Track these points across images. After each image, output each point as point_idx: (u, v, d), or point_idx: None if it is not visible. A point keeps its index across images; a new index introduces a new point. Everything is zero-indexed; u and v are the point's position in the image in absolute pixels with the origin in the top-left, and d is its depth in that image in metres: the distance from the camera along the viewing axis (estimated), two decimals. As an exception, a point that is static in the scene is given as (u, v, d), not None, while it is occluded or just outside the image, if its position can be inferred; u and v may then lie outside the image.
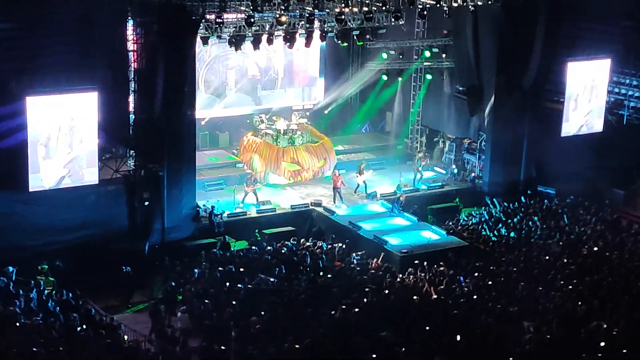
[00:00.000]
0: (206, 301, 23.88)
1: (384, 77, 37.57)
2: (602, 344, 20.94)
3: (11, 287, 23.75)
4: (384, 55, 36.79)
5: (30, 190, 26.96)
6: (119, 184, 28.66)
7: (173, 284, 25.26)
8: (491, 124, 34.20)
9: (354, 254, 27.98)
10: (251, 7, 28.71)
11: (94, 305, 24.37)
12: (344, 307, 22.90)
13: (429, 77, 36.61)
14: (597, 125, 35.47)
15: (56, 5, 26.78)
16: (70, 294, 24.18)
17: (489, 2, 32.07)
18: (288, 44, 31.01)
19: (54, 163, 27.19)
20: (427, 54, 36.01)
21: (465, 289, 24.67)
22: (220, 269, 26.15)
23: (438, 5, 31.09)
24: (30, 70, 26.70)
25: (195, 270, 26.05)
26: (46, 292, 24.28)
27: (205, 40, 29.83)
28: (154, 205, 28.85)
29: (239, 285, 24.81)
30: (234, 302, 23.67)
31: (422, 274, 26.06)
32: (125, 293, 25.95)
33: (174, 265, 26.72)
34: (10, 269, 24.66)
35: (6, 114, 26.46)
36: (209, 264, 26.80)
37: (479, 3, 32.03)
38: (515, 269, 26.20)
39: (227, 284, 24.95)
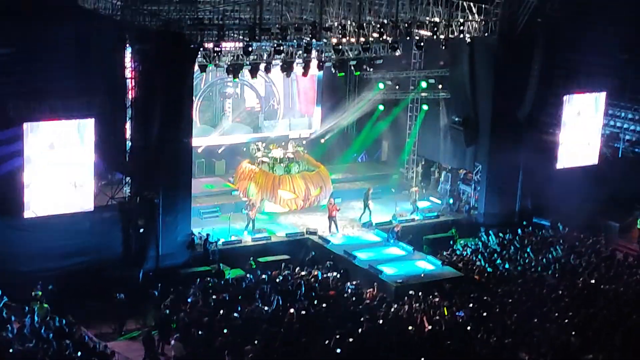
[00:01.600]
0: (200, 330, 23.78)
1: (381, 107, 37.69)
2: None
3: (4, 313, 23.65)
4: (381, 86, 36.92)
5: (25, 216, 26.92)
6: (114, 211, 28.62)
7: (167, 311, 25.17)
8: (487, 155, 34.28)
9: (348, 283, 27.93)
10: (249, 37, 28.80)
11: (87, 332, 24.27)
12: (337, 336, 22.84)
13: (425, 107, 36.72)
14: (593, 158, 35.58)
15: (55, 32, 26.91)
16: (64, 321, 24.08)
17: (485, 35, 32.26)
18: (285, 72, 31.13)
19: (50, 189, 27.16)
20: (424, 84, 36.14)
21: (461, 320, 24.61)
22: (214, 297, 26.09)
23: (435, 37, 31.28)
24: (27, 95, 26.74)
25: (189, 299, 25.97)
26: (40, 318, 24.17)
27: (203, 68, 29.94)
28: (148, 232, 28.79)
29: (233, 314, 24.72)
30: (227, 331, 23.57)
31: (417, 305, 26.01)
32: (119, 320, 25.84)
33: (168, 292, 26.63)
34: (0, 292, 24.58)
35: (2, 140, 26.48)
36: (203, 292, 26.71)
37: (475, 35, 32.21)
38: (510, 300, 26.17)
39: (221, 312, 24.86)
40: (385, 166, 39.09)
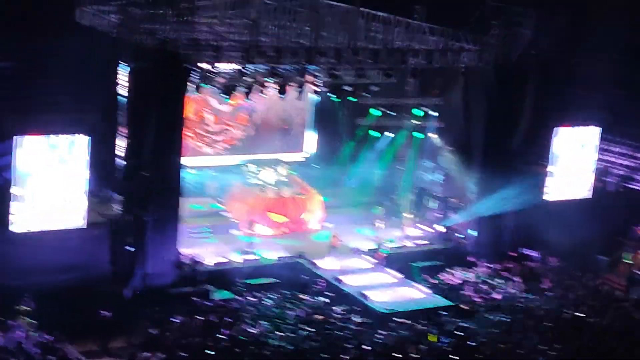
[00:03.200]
0: (185, 351, 23.67)
1: (374, 133, 37.73)
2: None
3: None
4: (375, 112, 36.98)
5: (13, 230, 26.81)
6: (104, 228, 28.54)
7: (153, 331, 25.05)
8: (478, 185, 34.33)
9: (336, 309, 27.84)
10: (244, 58, 28.86)
11: (72, 348, 24.11)
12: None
13: (418, 134, 36.78)
14: (583, 191, 35.68)
15: (51, 47, 26.93)
16: (50, 337, 23.93)
17: (480, 65, 32.39)
18: (280, 95, 31.19)
19: (40, 204, 27.07)
20: (417, 112, 36.22)
21: (449, 349, 24.56)
22: (200, 317, 25.97)
23: (429, 65, 31.39)
24: (20, 109, 26.72)
25: (176, 319, 25.85)
26: (25, 333, 24.02)
27: (197, 88, 29.97)
28: (137, 250, 28.71)
29: (220, 336, 24.62)
30: (213, 353, 23.47)
31: (405, 332, 25.94)
32: (105, 338, 25.69)
33: (154, 312, 26.51)
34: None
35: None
36: (189, 312, 26.60)
37: (470, 65, 32.35)
38: (497, 331, 26.13)
39: (208, 333, 24.75)
40: (377, 192, 39.07)
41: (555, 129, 34.49)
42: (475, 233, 34.33)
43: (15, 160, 26.43)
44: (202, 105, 35.45)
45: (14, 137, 26.26)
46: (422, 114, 36.14)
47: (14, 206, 26.65)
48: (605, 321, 27.37)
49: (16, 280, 26.36)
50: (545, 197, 35.03)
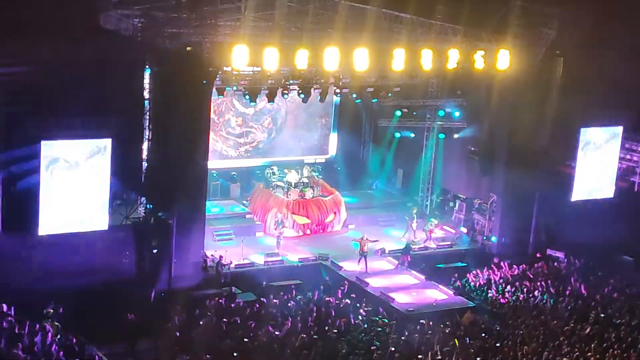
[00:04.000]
0: (209, 353, 23.72)
1: (397, 135, 37.73)
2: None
3: (15, 330, 23.66)
4: (398, 113, 36.98)
5: (39, 234, 27.03)
6: (128, 231, 28.69)
7: (177, 333, 25.13)
8: (502, 186, 34.24)
9: (360, 310, 27.83)
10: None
11: (97, 351, 24.23)
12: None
13: (441, 136, 36.73)
14: (608, 192, 35.48)
15: (75, 51, 27.03)
16: (75, 339, 24.06)
17: (503, 65, 32.20)
18: (302, 97, 31.23)
19: (65, 208, 27.28)
20: (441, 113, 36.17)
21: (471, 350, 24.50)
22: (225, 320, 26.04)
23: (452, 66, 31.28)
24: (45, 113, 26.90)
25: (200, 321, 25.93)
26: (51, 336, 24.15)
27: (220, 91, 30.06)
28: (162, 253, 28.84)
29: (244, 338, 24.66)
30: (237, 354, 23.51)
31: (429, 333, 25.88)
32: (130, 340, 25.80)
33: (179, 314, 26.59)
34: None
35: (20, 157, 26.63)
36: (214, 314, 26.67)
37: (493, 65, 32.18)
38: (521, 332, 26.02)
39: (232, 335, 24.80)
40: (400, 194, 39.06)
41: (579, 128, 34.33)
42: (494, 239, 34.21)
43: (41, 164, 26.62)
44: (226, 108, 35.57)
45: (41, 142, 26.47)
46: (445, 114, 36.09)
47: (39, 210, 26.84)
48: (632, 321, 27.19)
49: (42, 283, 26.54)
50: (570, 197, 34.84)
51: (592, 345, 24.88)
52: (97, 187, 27.60)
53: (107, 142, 27.47)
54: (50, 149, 26.77)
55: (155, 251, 28.75)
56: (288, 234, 33.81)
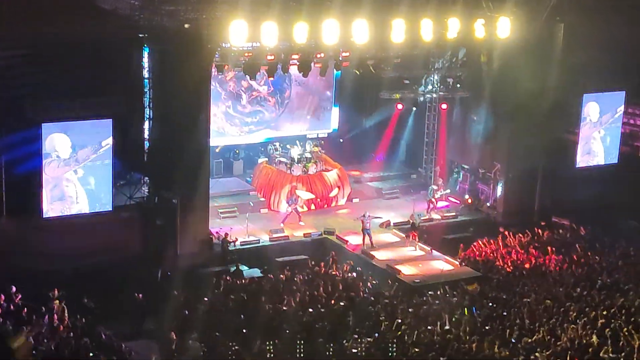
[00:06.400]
0: (217, 330, 23.78)
1: (399, 107, 37.56)
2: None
3: (23, 313, 23.75)
4: (399, 85, 36.76)
5: (44, 216, 27.04)
6: (132, 211, 28.69)
7: (185, 311, 25.17)
8: (506, 154, 34.14)
9: (367, 283, 27.84)
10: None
11: (105, 331, 24.29)
12: (355, 336, 22.80)
13: (444, 106, 36.57)
14: (612, 157, 35.38)
15: (73, 32, 26.92)
16: (83, 320, 24.13)
17: (504, 33, 31.99)
18: (302, 72, 31.08)
19: (68, 189, 27.27)
20: (442, 83, 35.98)
21: (479, 319, 24.51)
22: (232, 297, 26.07)
23: (452, 36, 31.12)
24: (45, 95, 26.83)
25: (207, 298, 25.97)
26: (58, 318, 24.22)
27: (220, 68, 29.92)
28: (167, 232, 28.85)
29: (251, 314, 24.70)
30: (245, 331, 23.56)
31: (436, 304, 25.90)
32: (137, 320, 25.86)
33: (186, 292, 26.64)
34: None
35: (22, 140, 26.60)
36: (221, 291, 26.71)
37: (494, 34, 31.99)
38: (528, 300, 26.02)
39: (239, 312, 24.84)
40: (404, 166, 38.97)
41: (582, 95, 34.20)
42: (499, 209, 34.12)
43: (43, 147, 26.59)
44: (231, 85, 35.30)
45: (42, 124, 26.43)
46: (447, 84, 35.90)
47: (43, 193, 26.83)
48: (639, 287, 27.16)
49: (47, 265, 26.60)
50: (575, 163, 34.77)
51: (599, 311, 24.87)
52: (99, 167, 27.55)
53: (107, 122, 27.39)
54: (52, 131, 26.69)
55: (160, 230, 28.72)
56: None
